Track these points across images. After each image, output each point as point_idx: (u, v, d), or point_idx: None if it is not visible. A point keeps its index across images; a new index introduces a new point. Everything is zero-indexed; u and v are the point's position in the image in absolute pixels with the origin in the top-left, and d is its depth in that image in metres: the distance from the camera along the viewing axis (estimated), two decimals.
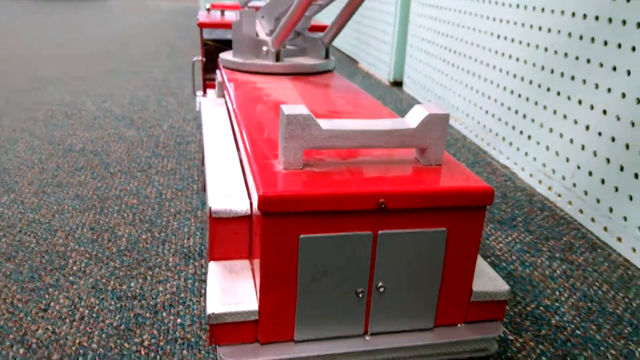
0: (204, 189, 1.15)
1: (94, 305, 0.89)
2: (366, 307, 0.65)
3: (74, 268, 0.99)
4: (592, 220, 1.26)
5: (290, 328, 0.64)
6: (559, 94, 1.41)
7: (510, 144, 1.66)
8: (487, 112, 1.82)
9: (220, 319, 0.61)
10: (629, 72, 1.15)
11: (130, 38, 4.14)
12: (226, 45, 1.69)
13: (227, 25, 1.56)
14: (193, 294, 0.93)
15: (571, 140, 1.36)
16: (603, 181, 1.23)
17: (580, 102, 1.32)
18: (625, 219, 1.15)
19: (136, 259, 1.03)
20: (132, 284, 0.95)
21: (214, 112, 1.12)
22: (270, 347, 0.63)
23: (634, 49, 1.13)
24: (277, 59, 1.23)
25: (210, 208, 0.68)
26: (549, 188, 1.45)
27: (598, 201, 1.25)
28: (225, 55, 1.30)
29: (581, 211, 1.31)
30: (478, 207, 0.64)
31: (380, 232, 0.61)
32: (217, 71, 1.37)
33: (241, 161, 0.84)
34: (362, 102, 1.03)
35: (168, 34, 4.45)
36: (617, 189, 1.18)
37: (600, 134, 1.25)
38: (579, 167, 1.32)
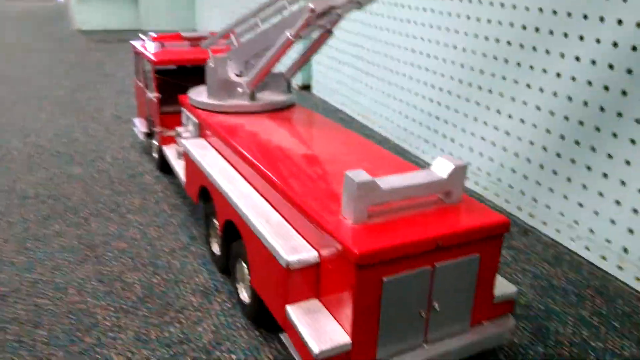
0: (207, 226, 1.24)
1: (149, 356, 0.96)
2: (425, 323, 0.82)
3: (107, 324, 1.04)
4: (519, 208, 1.55)
5: (373, 350, 0.79)
6: (478, 104, 1.67)
7: (434, 145, 1.91)
8: (407, 116, 2.06)
9: (325, 355, 0.75)
10: (541, 89, 1.43)
11: (6, 53, 3.83)
12: (171, 75, 1.73)
13: (185, 61, 1.61)
14: (231, 328, 1.03)
15: (493, 143, 1.63)
16: (526, 177, 1.52)
17: (499, 111, 1.59)
18: (548, 207, 1.45)
19: (161, 304, 1.10)
20: (172, 329, 1.03)
21: (209, 156, 1.21)
22: None
23: (545, 70, 1.41)
24: (252, 98, 1.33)
25: (288, 262, 0.80)
26: (476, 183, 1.72)
27: (522, 193, 1.53)
28: (197, 96, 1.38)
29: (507, 201, 1.59)
30: (499, 234, 0.84)
31: (437, 265, 0.79)
32: (184, 110, 1.43)
33: (273, 206, 0.96)
34: (347, 138, 1.19)
35: (48, 45, 4.17)
36: (539, 183, 1.47)
37: (520, 138, 1.52)
38: (502, 166, 1.60)
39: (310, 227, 0.84)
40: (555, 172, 1.41)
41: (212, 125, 1.25)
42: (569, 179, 1.37)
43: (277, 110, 1.37)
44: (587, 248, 1.34)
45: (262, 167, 1.00)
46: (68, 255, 1.27)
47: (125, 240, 1.35)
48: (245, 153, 1.07)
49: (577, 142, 1.34)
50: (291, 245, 0.84)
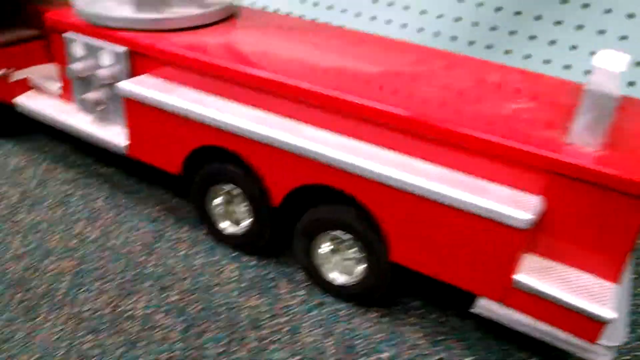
0: (203, 201, 0.86)
1: None
2: None
3: None
4: None
5: None
6: None
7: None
8: None
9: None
10: None
11: None
12: None
13: None
14: (355, 320, 0.78)
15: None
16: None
17: None
18: None
19: (221, 328, 0.76)
20: (276, 356, 0.72)
21: (206, 101, 0.80)
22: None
23: None
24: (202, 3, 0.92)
25: (527, 220, 0.60)
26: None
27: None
28: (105, 10, 0.88)
29: None
30: None
31: None
32: (71, 37, 0.91)
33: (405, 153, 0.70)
34: (370, 40, 0.94)
35: None
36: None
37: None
38: None
39: (501, 169, 0.64)
40: None
41: (185, 55, 0.82)
42: None
43: (231, 17, 0.98)
44: None
45: (355, 100, 0.70)
46: None
47: (73, 258, 0.86)
48: (303, 86, 0.73)
49: None
50: (506, 197, 0.63)
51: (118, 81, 0.89)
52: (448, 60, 0.86)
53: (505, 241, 0.62)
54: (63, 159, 1.11)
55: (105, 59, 0.90)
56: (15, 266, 0.84)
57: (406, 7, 1.49)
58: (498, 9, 1.35)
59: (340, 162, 0.70)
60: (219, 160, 0.84)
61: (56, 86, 1.01)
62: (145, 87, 0.84)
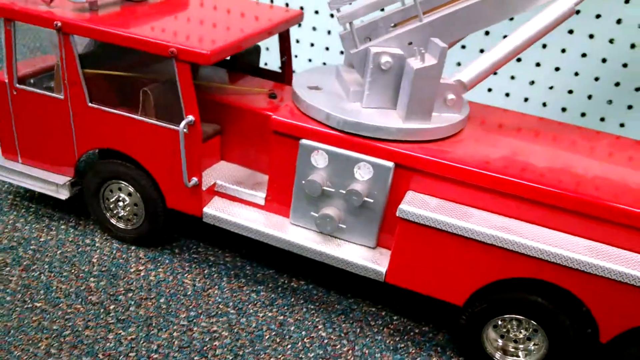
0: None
1: None
2: None
3: None
4: None
5: None
6: None
7: None
8: None
9: None
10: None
11: None
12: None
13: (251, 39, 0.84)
14: None
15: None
16: None
17: None
18: None
19: None
20: None
21: (519, 227, 0.71)
22: None
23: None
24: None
25: None
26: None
27: None
28: (373, 119, 0.76)
29: None
30: None
31: None
32: (314, 145, 0.78)
33: None
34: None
35: None
36: None
37: None
38: None
39: None
40: None
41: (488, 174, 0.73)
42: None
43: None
44: None
45: None
46: None
47: None
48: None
49: None
50: None
51: (371, 198, 0.78)
52: None
53: None
54: (241, 272, 0.94)
55: (363, 173, 0.77)
56: None
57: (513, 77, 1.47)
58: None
59: None
60: (513, 289, 0.75)
61: (260, 195, 0.86)
62: (437, 211, 0.73)
